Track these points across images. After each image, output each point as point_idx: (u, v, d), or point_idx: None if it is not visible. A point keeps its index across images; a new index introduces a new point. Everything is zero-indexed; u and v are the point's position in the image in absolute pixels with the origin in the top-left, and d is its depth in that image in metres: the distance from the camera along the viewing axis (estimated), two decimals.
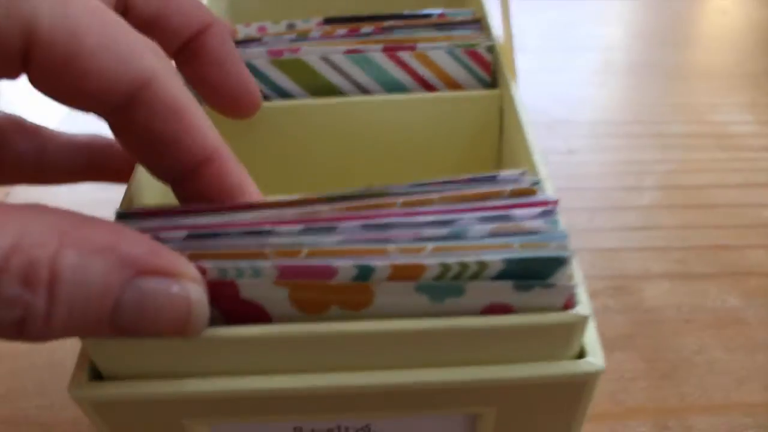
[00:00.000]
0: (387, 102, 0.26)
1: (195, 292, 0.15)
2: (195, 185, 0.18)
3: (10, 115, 0.22)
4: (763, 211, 0.35)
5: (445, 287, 0.16)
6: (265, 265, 0.15)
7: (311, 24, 0.30)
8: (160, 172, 0.18)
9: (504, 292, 0.16)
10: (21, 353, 0.29)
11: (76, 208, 0.14)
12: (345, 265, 0.15)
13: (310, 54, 0.26)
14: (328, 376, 0.16)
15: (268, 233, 0.16)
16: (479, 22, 0.29)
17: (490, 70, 0.27)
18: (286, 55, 0.26)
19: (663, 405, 0.27)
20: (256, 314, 0.16)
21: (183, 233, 0.17)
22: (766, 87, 0.45)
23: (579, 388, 0.18)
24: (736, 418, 0.26)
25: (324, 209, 0.17)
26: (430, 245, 0.16)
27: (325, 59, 0.26)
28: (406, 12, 0.29)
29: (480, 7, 0.30)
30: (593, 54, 0.50)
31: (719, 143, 0.40)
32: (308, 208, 0.17)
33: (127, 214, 0.18)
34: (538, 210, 0.17)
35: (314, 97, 0.27)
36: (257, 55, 0.26)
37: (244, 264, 0.15)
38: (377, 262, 0.15)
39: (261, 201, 0.18)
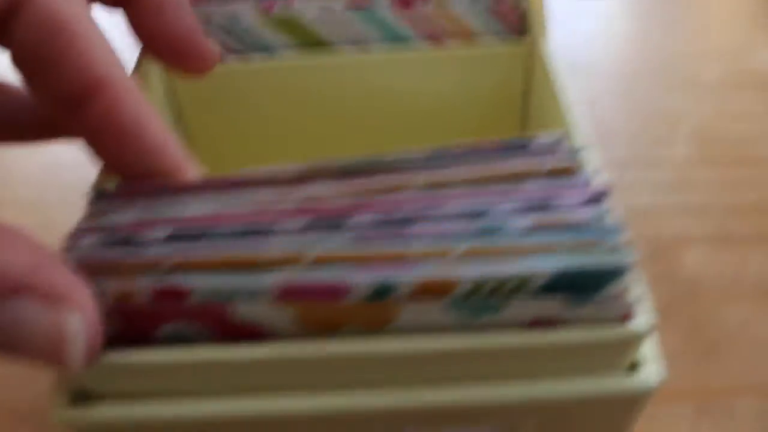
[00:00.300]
0: (391, 60, 0.23)
1: (72, 323, 0.12)
2: (83, 123, 0.15)
3: None
4: None
5: (480, 305, 0.13)
6: (264, 283, 0.13)
7: None
8: (46, 107, 0.15)
9: (550, 307, 0.13)
10: None
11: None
12: (360, 283, 0.13)
13: (308, 8, 0.23)
14: (343, 396, 0.14)
15: (266, 233, 0.14)
16: None
17: (518, 27, 0.24)
18: (279, 9, 0.23)
19: (704, 386, 0.25)
20: (254, 335, 0.14)
21: (165, 231, 0.14)
22: None
23: (630, 404, 0.15)
24: None
25: (328, 192, 0.15)
26: (460, 247, 0.13)
27: (323, 16, 0.23)
28: None
29: None
30: None
31: (759, 88, 0.37)
32: (309, 189, 0.15)
33: (102, 194, 0.15)
34: (583, 196, 0.14)
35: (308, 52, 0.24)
36: (245, 11, 0.23)
37: (236, 281, 0.13)
38: (398, 277, 0.13)
39: (253, 176, 0.15)
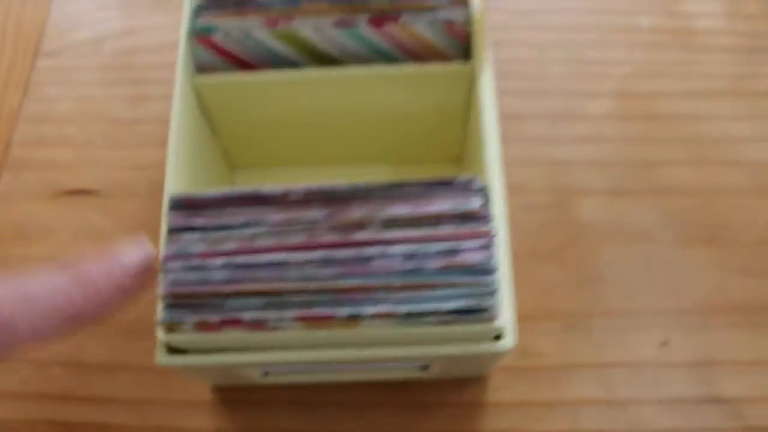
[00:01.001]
0: (361, 75, 0.31)
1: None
2: None
3: None
4: (699, 125, 0.41)
5: (409, 321, 0.23)
6: (287, 314, 0.23)
7: None
8: None
9: (452, 320, 0.23)
10: None
11: None
12: (340, 314, 0.23)
13: (304, 25, 0.29)
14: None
15: (285, 264, 0.23)
16: None
17: (466, 41, 0.31)
18: (281, 25, 0.29)
19: (572, 309, 0.35)
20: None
21: (222, 260, 0.23)
22: None
23: (495, 357, 0.26)
24: (625, 321, 0.35)
25: (322, 223, 0.24)
26: (398, 282, 0.23)
27: (317, 32, 0.30)
28: None
29: None
30: None
31: (682, 41, 0.44)
32: (310, 215, 0.24)
33: (181, 203, 0.24)
34: (479, 242, 0.24)
35: (308, 61, 0.31)
36: (256, 26, 0.29)
37: (269, 310, 0.23)
38: (362, 309, 0.23)
39: (270, 192, 0.24)
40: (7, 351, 0.21)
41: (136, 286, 0.23)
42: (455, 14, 0.30)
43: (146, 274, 0.23)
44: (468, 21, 0.30)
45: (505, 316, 0.24)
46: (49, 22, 0.47)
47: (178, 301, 0.23)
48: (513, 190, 0.37)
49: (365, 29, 0.30)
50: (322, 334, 0.23)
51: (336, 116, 0.33)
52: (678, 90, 0.42)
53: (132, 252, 0.23)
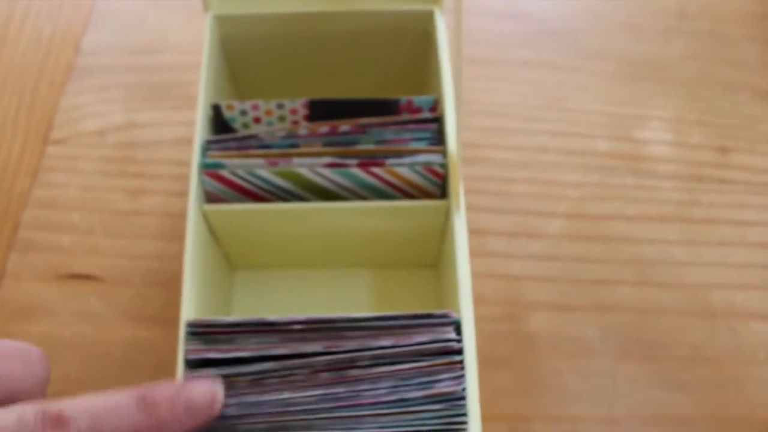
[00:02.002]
0: (352, 208, 0.36)
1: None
2: None
3: None
4: (642, 247, 0.47)
5: None
6: None
7: (297, 105, 0.38)
8: None
9: None
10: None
11: None
12: None
13: (302, 166, 0.35)
14: None
15: (290, 401, 0.29)
16: (439, 121, 0.37)
17: (443, 180, 0.36)
18: (282, 166, 0.35)
19: (516, 413, 0.41)
20: None
21: (234, 401, 0.29)
22: (697, 99, 0.54)
23: None
24: (562, 426, 0.40)
25: (318, 354, 0.29)
26: (384, 411, 0.28)
27: (313, 171, 0.35)
28: (376, 99, 0.37)
29: (440, 92, 0.38)
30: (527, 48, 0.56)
31: (633, 167, 0.50)
32: (309, 347, 0.29)
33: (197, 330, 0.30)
34: (453, 374, 0.29)
35: (306, 193, 0.36)
36: (259, 165, 0.35)
37: None
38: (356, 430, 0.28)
39: (277, 322, 0.30)
40: None
41: (194, 424, 0.26)
42: (433, 158, 0.36)
43: (208, 415, 0.27)
44: (444, 164, 0.36)
45: (472, 428, 0.29)
46: (58, 110, 0.52)
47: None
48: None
49: (355, 170, 0.35)
50: None
51: (329, 236, 0.39)
52: (627, 213, 0.48)
53: (202, 391, 0.27)
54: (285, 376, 0.29)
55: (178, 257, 0.35)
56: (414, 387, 0.29)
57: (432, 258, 0.42)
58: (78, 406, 0.25)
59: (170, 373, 0.32)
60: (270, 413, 0.28)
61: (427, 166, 0.36)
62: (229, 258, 0.42)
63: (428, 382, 0.29)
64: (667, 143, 0.51)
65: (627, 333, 0.44)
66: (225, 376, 0.29)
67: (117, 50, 0.55)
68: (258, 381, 0.29)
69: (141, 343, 0.43)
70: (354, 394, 0.29)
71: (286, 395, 0.28)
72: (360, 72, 0.44)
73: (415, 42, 0.42)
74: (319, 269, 0.43)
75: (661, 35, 0.57)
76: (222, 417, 0.28)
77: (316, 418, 0.28)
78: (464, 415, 0.29)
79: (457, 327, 0.30)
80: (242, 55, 0.43)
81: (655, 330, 0.44)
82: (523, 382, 0.42)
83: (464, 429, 0.29)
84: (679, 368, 0.43)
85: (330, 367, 0.29)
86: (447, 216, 0.37)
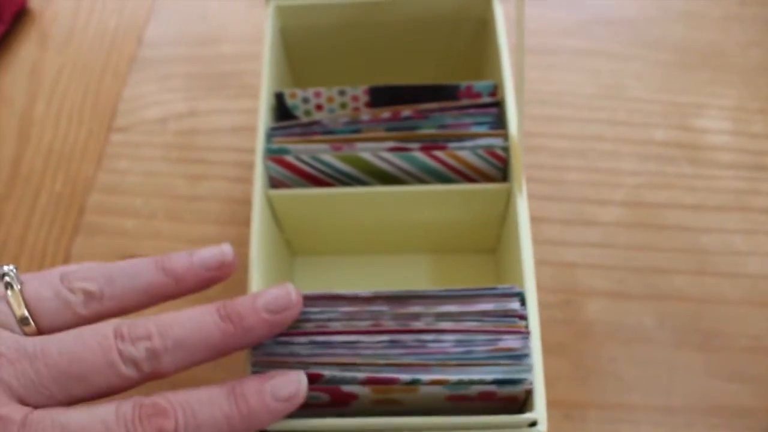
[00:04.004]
0: (415, 192, 0.38)
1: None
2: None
3: None
4: (701, 236, 0.47)
5: (459, 387, 0.30)
6: (358, 377, 0.29)
7: (358, 92, 0.39)
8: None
9: (492, 388, 0.30)
10: None
11: None
12: (404, 378, 0.29)
13: (365, 150, 0.36)
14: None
15: (357, 344, 0.30)
16: (499, 106, 0.38)
17: (504, 163, 0.37)
18: (346, 150, 0.37)
19: (571, 400, 0.42)
20: (350, 397, 0.30)
21: (304, 339, 0.30)
22: (758, 87, 0.54)
23: None
24: (617, 414, 0.41)
25: (385, 312, 0.31)
26: (453, 360, 0.30)
27: (376, 155, 0.37)
28: (436, 85, 0.39)
29: (499, 78, 0.40)
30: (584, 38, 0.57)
31: (691, 156, 0.50)
32: (375, 308, 0.31)
33: None
34: (518, 335, 0.30)
35: (369, 177, 0.38)
36: (323, 150, 0.36)
37: (347, 374, 0.29)
38: (422, 376, 0.29)
39: (344, 293, 0.31)
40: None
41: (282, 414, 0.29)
42: (494, 142, 0.37)
43: (294, 405, 0.29)
44: (506, 147, 0.37)
45: (539, 406, 0.30)
46: (122, 100, 0.54)
47: (267, 368, 0.30)
48: None
49: (417, 154, 0.37)
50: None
51: (390, 221, 0.40)
52: (684, 202, 0.48)
53: (289, 380, 0.29)
54: (351, 322, 0.30)
55: (237, 242, 0.37)
56: (479, 343, 0.30)
57: (491, 243, 0.43)
58: (173, 398, 0.27)
59: (233, 356, 0.33)
60: (339, 354, 0.30)
61: (489, 149, 0.37)
62: (290, 244, 0.43)
63: (493, 339, 0.30)
64: (727, 132, 0.51)
65: (685, 322, 0.44)
66: (293, 324, 0.30)
67: (178, 41, 0.57)
68: (325, 324, 0.30)
69: None
70: (419, 343, 0.30)
71: (353, 338, 0.30)
72: (417, 60, 0.46)
73: (473, 30, 0.43)
74: (377, 255, 0.44)
75: (720, 22, 0.57)
76: (293, 354, 0.30)
77: (384, 363, 0.29)
78: (528, 370, 0.30)
79: (521, 300, 0.31)
80: (301, 44, 0.45)
81: (714, 319, 0.44)
82: (579, 369, 0.43)
83: (526, 381, 0.29)
84: (738, 359, 0.43)
85: (395, 320, 0.30)
86: (508, 200, 0.38)
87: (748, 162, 0.50)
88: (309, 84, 0.46)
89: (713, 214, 0.48)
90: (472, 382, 0.29)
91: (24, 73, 0.56)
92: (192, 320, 0.28)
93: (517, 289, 0.31)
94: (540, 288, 0.45)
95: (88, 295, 0.29)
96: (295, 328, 0.30)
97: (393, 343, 0.30)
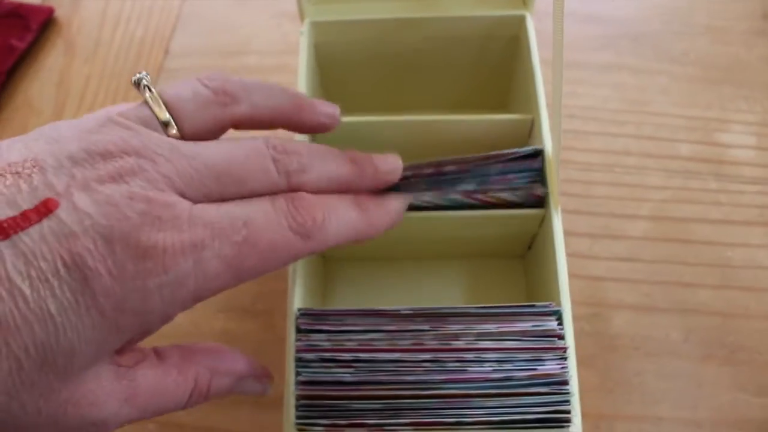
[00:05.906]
0: (454, 217, 0.39)
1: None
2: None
3: None
4: (726, 251, 0.49)
5: (503, 428, 0.31)
6: (402, 421, 0.31)
7: None
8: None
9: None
10: None
11: None
12: (446, 420, 0.31)
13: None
14: None
15: (400, 363, 0.32)
16: (541, 155, 0.39)
17: (540, 198, 0.39)
18: None
19: (599, 412, 0.43)
20: None
21: (348, 357, 0.32)
22: None
23: None
24: (644, 426, 0.43)
25: (426, 331, 0.32)
26: (493, 390, 0.31)
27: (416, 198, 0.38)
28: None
29: (529, 96, 0.41)
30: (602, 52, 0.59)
31: (716, 170, 0.52)
32: (416, 326, 0.33)
33: (307, 312, 0.33)
34: (556, 356, 0.32)
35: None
36: None
37: (389, 420, 0.31)
38: (464, 417, 0.31)
39: (385, 310, 0.33)
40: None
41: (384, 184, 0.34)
42: (537, 190, 0.38)
43: (393, 178, 0.34)
44: (546, 194, 0.38)
45: (575, 422, 0.32)
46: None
47: (311, 403, 0.31)
48: None
49: (456, 196, 0.38)
50: None
51: (425, 239, 0.42)
52: (710, 217, 0.50)
53: (392, 158, 0.35)
54: (393, 340, 0.32)
55: None
56: (520, 364, 0.32)
57: (521, 249, 0.45)
58: (314, 198, 0.30)
59: (274, 389, 0.35)
60: (382, 381, 0.31)
61: (533, 194, 0.38)
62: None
63: (532, 361, 0.32)
64: (751, 147, 0.53)
65: (711, 336, 0.46)
66: (337, 341, 0.32)
67: (204, 52, 0.59)
68: (367, 342, 0.32)
69: (232, 335, 0.47)
70: (461, 366, 0.31)
71: (396, 356, 0.32)
72: (448, 76, 0.48)
73: (504, 46, 0.45)
74: (408, 260, 0.46)
75: (743, 37, 0.59)
76: (337, 384, 0.31)
77: (426, 396, 0.31)
78: (568, 401, 0.31)
79: (558, 318, 0.33)
80: (333, 59, 0.47)
81: (740, 334, 0.46)
82: (606, 381, 0.44)
83: (567, 416, 0.31)
84: (765, 372, 0.45)
85: (436, 339, 0.32)
86: (543, 218, 0.40)
87: None
88: (339, 99, 0.47)
89: (738, 228, 0.50)
90: (514, 423, 0.31)
91: (51, 82, 0.58)
92: (327, 151, 0.32)
93: (554, 308, 0.33)
94: None
95: (227, 96, 0.30)
96: (338, 345, 0.32)
97: (434, 363, 0.32)
